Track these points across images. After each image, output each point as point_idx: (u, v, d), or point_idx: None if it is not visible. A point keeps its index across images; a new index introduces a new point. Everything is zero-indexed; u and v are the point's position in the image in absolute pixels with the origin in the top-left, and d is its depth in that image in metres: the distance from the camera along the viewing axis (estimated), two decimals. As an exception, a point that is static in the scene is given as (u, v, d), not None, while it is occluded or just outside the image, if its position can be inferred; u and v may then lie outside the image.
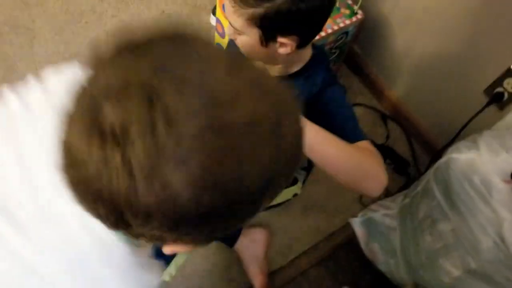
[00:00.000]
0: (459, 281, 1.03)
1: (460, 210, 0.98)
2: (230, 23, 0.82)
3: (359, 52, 1.57)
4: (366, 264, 1.30)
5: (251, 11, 0.75)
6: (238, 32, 0.82)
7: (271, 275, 1.27)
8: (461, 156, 1.03)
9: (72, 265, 0.51)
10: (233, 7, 0.76)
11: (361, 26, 1.42)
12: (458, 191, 0.99)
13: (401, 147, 1.52)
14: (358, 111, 1.57)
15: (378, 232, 1.27)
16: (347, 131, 0.81)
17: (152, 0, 1.69)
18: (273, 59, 0.88)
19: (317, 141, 0.70)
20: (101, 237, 0.51)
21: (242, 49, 0.87)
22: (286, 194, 1.22)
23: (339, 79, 1.01)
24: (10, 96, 0.57)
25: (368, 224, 1.31)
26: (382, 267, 1.27)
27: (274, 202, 1.10)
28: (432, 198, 1.08)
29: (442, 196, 1.04)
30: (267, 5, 0.73)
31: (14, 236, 0.50)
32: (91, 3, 1.65)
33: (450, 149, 1.09)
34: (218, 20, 1.45)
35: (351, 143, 0.79)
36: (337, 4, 1.35)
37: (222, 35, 1.49)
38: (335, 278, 1.28)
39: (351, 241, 1.32)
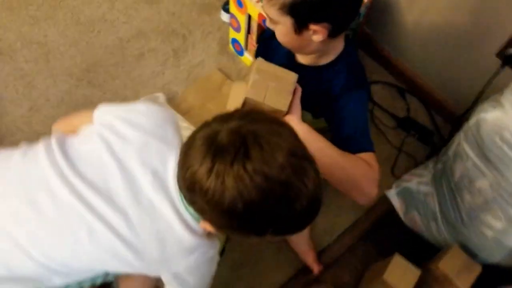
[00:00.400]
0: (502, 233, 1.09)
1: (496, 165, 1.04)
2: (266, 14, 0.89)
3: (370, 32, 1.62)
4: (407, 233, 1.35)
5: (281, 0, 0.81)
6: (273, 21, 0.89)
7: (319, 254, 1.31)
8: (488, 115, 1.08)
9: (159, 236, 0.71)
10: None
11: (371, 7, 1.47)
12: (491, 148, 1.04)
13: (422, 118, 1.57)
14: (376, 88, 1.62)
15: (415, 200, 1.32)
16: (352, 141, 0.91)
17: (161, 3, 1.71)
18: (307, 47, 0.93)
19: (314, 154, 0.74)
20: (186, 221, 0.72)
21: (279, 39, 0.93)
22: None
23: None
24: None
25: (404, 194, 1.36)
26: (423, 232, 1.32)
27: None
28: (466, 159, 1.13)
29: (476, 155, 1.10)
30: None
31: (112, 215, 0.70)
32: (101, 12, 1.66)
33: (476, 110, 1.14)
34: (232, 15, 1.48)
35: (353, 153, 0.88)
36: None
37: (238, 30, 1.52)
38: (379, 250, 1.33)
39: (391, 213, 1.38)
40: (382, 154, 1.50)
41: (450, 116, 1.53)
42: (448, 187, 1.21)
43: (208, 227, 0.68)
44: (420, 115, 1.58)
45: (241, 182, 0.56)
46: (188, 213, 0.72)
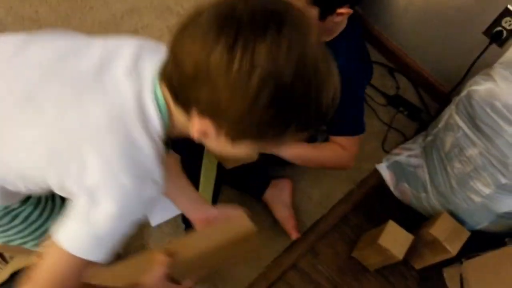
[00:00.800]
0: (489, 198, 1.15)
1: (486, 133, 1.09)
2: None
3: (360, 11, 1.66)
4: (397, 204, 1.40)
5: None
6: None
7: (315, 224, 1.36)
8: (480, 87, 1.13)
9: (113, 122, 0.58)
10: None
11: (364, -14, 1.51)
12: (482, 118, 1.10)
13: (411, 95, 1.63)
14: (367, 67, 1.67)
15: (406, 172, 1.38)
16: (334, 126, 1.03)
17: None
18: (325, 31, 0.96)
19: (292, 158, 1.03)
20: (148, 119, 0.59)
21: None
22: None
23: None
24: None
25: (395, 166, 1.42)
26: (413, 203, 1.38)
27: None
28: (456, 130, 1.19)
29: (467, 126, 1.15)
30: None
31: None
32: (94, -14, 1.65)
33: (468, 83, 1.19)
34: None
35: (334, 135, 1.05)
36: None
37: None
38: (372, 220, 1.38)
39: (382, 185, 1.43)
40: (373, 130, 1.55)
41: (437, 94, 1.59)
42: (439, 157, 1.26)
43: (209, 129, 0.55)
44: (410, 93, 1.64)
45: (275, 58, 0.48)
46: (156, 110, 0.58)
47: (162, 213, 1.31)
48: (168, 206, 1.24)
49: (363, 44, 1.06)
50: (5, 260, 1.18)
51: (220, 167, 1.25)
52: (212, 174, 1.09)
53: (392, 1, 1.54)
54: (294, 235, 1.30)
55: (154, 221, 1.31)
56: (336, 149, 1.05)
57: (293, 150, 1.03)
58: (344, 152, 1.05)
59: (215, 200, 1.20)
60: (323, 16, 0.89)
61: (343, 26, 0.99)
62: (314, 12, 0.88)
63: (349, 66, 0.97)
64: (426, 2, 1.45)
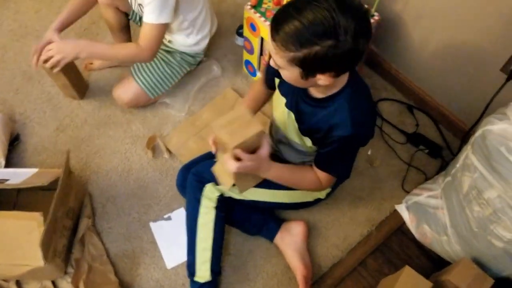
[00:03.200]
0: (512, 244, 1.09)
1: (503, 175, 1.05)
2: (274, 60, 0.92)
3: (377, 51, 1.67)
4: (418, 247, 1.36)
5: (292, 54, 0.85)
6: (280, 67, 0.93)
7: (332, 268, 1.33)
8: (494, 127, 1.10)
9: None
10: (275, 49, 0.87)
11: (378, 26, 1.53)
12: (497, 159, 1.06)
13: (431, 133, 1.60)
14: (385, 105, 1.66)
15: (426, 213, 1.34)
16: (326, 162, 1.08)
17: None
18: (327, 88, 0.98)
19: (274, 178, 1.10)
20: None
21: (285, 78, 0.97)
22: (307, 195, 1.30)
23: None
24: None
25: (415, 207, 1.38)
26: (434, 246, 1.33)
27: (298, 200, 1.29)
28: (473, 171, 1.15)
29: (483, 167, 1.11)
30: (305, 51, 0.83)
31: None
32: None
33: (482, 123, 1.16)
34: (246, 38, 1.56)
35: (320, 168, 1.09)
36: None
37: (251, 52, 1.60)
38: (391, 264, 1.34)
39: (402, 226, 1.39)
40: (392, 169, 1.52)
41: (459, 131, 1.55)
42: (457, 199, 1.22)
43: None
44: (430, 131, 1.60)
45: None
46: None
47: (177, 256, 1.34)
48: (182, 249, 1.29)
49: (368, 99, 1.05)
50: None
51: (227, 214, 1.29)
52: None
53: (406, 39, 1.55)
54: (301, 287, 1.26)
55: (169, 264, 1.34)
56: (314, 180, 1.12)
57: (275, 171, 1.07)
58: (320, 184, 1.13)
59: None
60: (304, 77, 0.90)
61: (344, 81, 0.98)
62: (296, 70, 0.89)
63: (353, 125, 0.97)
64: (441, 42, 1.45)
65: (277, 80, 1.16)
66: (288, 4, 0.83)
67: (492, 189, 1.09)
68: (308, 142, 1.11)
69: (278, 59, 0.88)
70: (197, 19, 1.50)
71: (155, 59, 1.54)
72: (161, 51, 1.56)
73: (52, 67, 1.39)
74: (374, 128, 1.11)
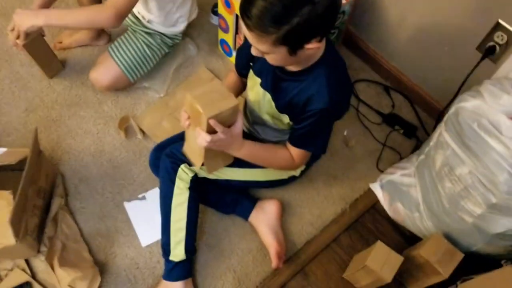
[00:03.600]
0: (481, 219, 1.11)
1: (474, 152, 1.06)
2: (256, 48, 0.89)
3: (354, 31, 1.66)
4: (391, 224, 1.38)
5: (273, 36, 0.83)
6: (265, 53, 0.90)
7: (306, 245, 1.34)
8: (467, 104, 1.11)
9: None
10: (255, 38, 0.85)
11: (355, 5, 1.52)
12: (469, 135, 1.07)
13: (407, 114, 1.61)
14: (362, 85, 1.66)
15: (399, 191, 1.35)
16: (300, 138, 1.08)
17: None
18: (300, 61, 0.96)
19: (245, 156, 1.09)
20: None
21: (272, 63, 0.95)
22: (282, 173, 1.31)
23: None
24: None
25: (388, 186, 1.39)
26: (407, 223, 1.35)
27: (273, 178, 1.30)
28: (446, 148, 1.16)
29: (456, 144, 1.13)
30: (286, 27, 0.81)
31: None
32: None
33: (456, 100, 1.17)
34: (221, 16, 1.54)
35: (293, 145, 1.09)
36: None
37: (226, 31, 1.57)
38: (364, 240, 1.35)
39: (375, 204, 1.41)
40: (367, 149, 1.53)
41: (434, 111, 1.56)
42: (430, 176, 1.24)
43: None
44: (405, 111, 1.62)
45: None
46: None
47: (152, 234, 1.34)
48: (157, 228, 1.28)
49: (344, 72, 1.05)
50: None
51: (205, 192, 1.28)
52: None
53: (384, 19, 1.54)
54: (274, 264, 1.26)
55: (143, 242, 1.33)
56: (287, 158, 1.11)
57: (247, 149, 1.07)
58: (293, 162, 1.12)
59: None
60: (293, 52, 0.88)
61: (320, 52, 0.97)
62: (282, 49, 0.87)
63: (330, 97, 0.96)
64: (418, 20, 1.45)
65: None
66: None
67: (463, 165, 1.10)
68: (285, 119, 1.10)
69: (261, 45, 0.86)
70: None
71: (135, 40, 1.50)
72: (141, 32, 1.51)
73: (18, 39, 1.35)
74: (350, 100, 1.11)
